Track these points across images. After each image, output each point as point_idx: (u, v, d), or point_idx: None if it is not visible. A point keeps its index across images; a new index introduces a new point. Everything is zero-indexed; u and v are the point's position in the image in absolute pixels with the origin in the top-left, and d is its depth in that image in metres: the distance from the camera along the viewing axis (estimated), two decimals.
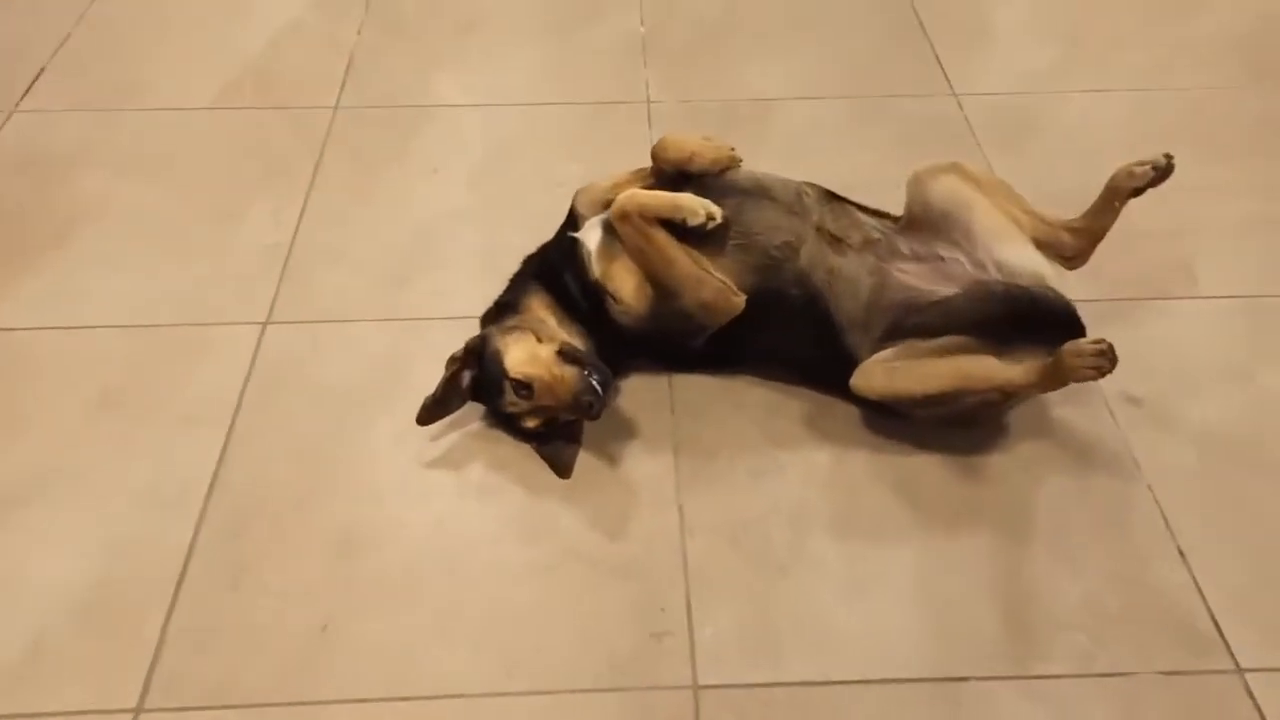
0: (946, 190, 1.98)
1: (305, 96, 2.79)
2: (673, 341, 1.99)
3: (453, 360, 1.89)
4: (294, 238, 2.38)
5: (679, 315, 1.90)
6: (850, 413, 1.98)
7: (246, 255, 2.34)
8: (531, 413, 1.84)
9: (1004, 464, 1.91)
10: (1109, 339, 1.69)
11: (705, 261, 1.90)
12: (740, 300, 1.90)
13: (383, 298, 2.24)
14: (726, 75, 2.91)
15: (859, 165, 2.60)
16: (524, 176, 2.57)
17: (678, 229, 1.88)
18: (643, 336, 1.97)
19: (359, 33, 3.05)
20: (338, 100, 2.78)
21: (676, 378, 2.06)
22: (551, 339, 1.86)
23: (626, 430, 1.97)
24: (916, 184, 2.02)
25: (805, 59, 2.98)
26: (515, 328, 1.89)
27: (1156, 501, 1.85)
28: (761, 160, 2.59)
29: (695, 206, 1.86)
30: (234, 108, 2.76)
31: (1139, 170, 1.88)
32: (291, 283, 2.27)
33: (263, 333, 2.15)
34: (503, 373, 1.82)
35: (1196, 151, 2.57)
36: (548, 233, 2.12)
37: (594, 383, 1.76)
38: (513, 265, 2.10)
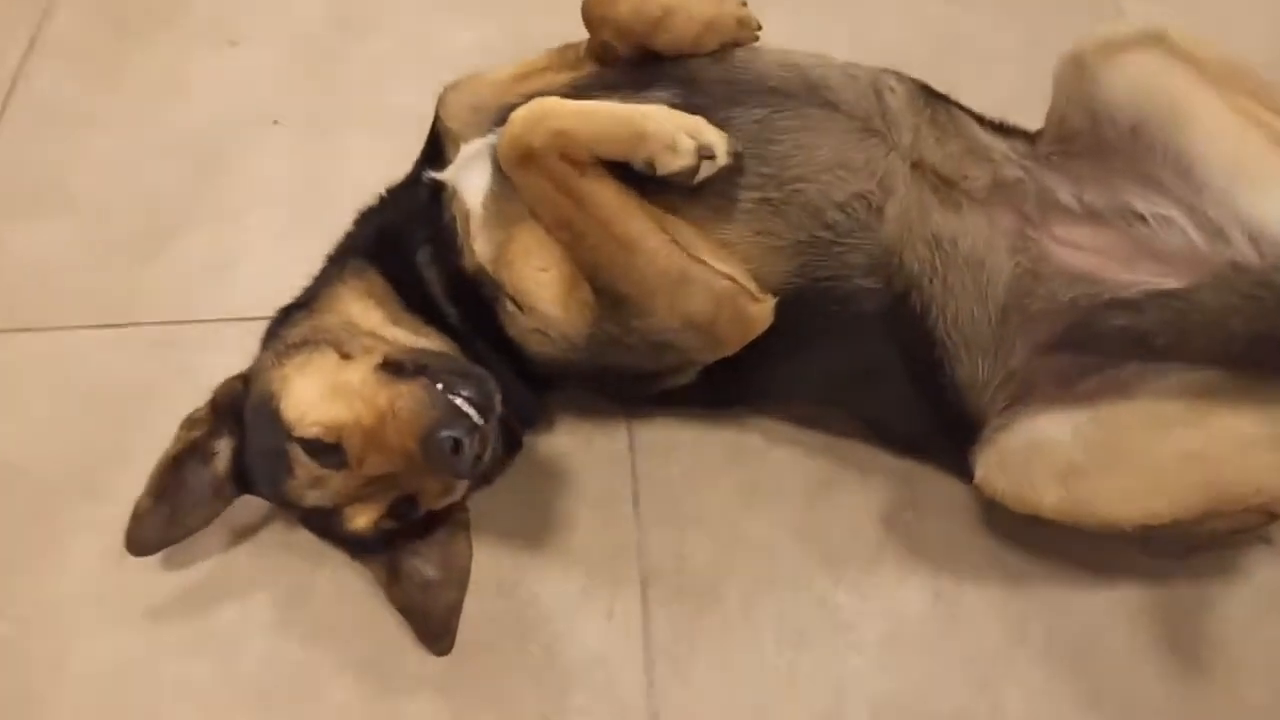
0: (1139, 82, 1.06)
1: None
2: (634, 381, 1.06)
3: (192, 424, 0.99)
4: None
5: (648, 342, 0.98)
6: (950, 489, 1.09)
7: None
8: (355, 497, 0.93)
9: (1238, 607, 1.04)
10: None
11: (696, 237, 0.96)
12: (764, 310, 0.99)
13: (119, 278, 1.27)
14: None
15: (924, 20, 1.62)
16: (380, 54, 1.56)
17: (641, 175, 0.92)
18: (577, 371, 1.04)
19: None
20: None
21: (639, 422, 1.15)
22: (369, 350, 0.95)
23: (554, 532, 1.07)
24: (1078, 71, 1.09)
25: None
26: (303, 344, 0.97)
27: None
28: (771, 26, 1.63)
29: (674, 134, 0.91)
30: None
31: None
32: None
33: None
34: (284, 430, 0.92)
35: None
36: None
37: (460, 401, 0.88)
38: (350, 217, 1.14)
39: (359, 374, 0.91)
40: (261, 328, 1.14)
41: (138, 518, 0.96)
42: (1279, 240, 0.98)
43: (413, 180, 1.08)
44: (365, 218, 1.11)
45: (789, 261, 0.98)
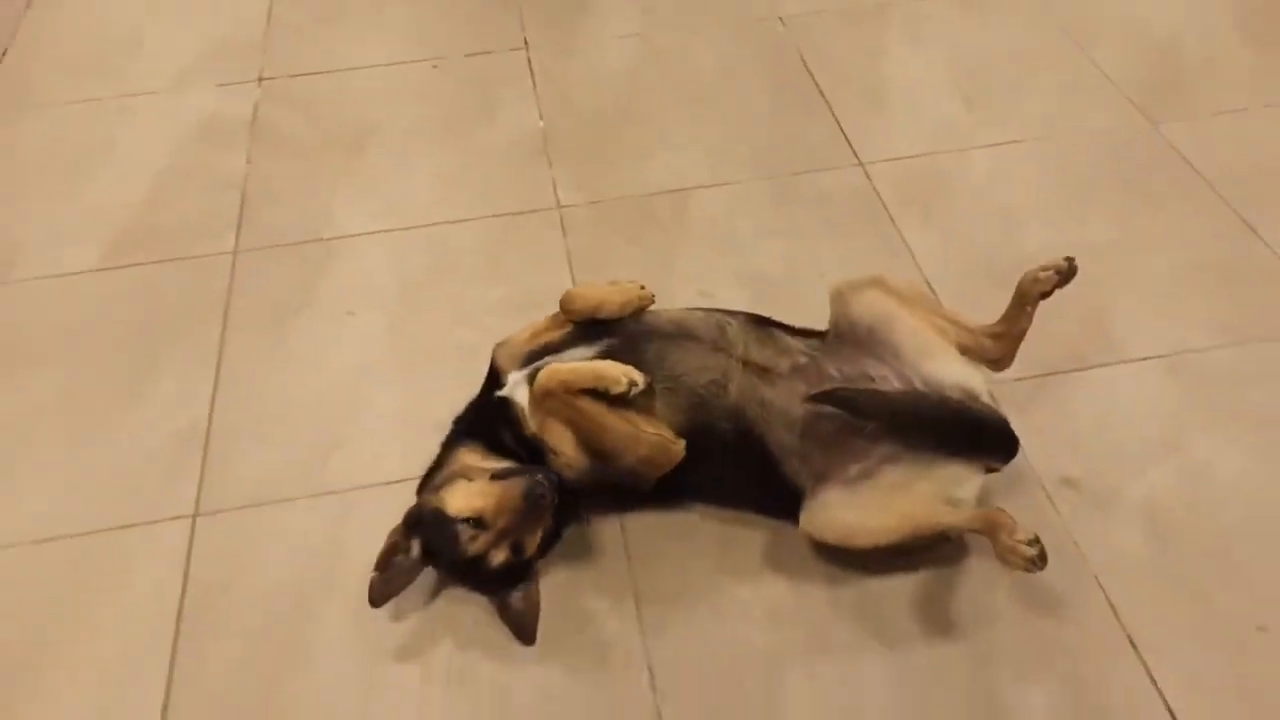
0: (869, 305, 2.01)
1: (202, 242, 2.59)
2: (621, 486, 1.96)
3: (393, 533, 1.86)
4: (211, 414, 2.28)
5: (621, 472, 1.89)
6: (802, 541, 1.98)
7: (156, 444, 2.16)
8: (494, 544, 1.80)
9: (956, 574, 1.93)
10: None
11: (637, 417, 1.88)
12: (679, 447, 1.90)
13: (311, 471, 2.13)
14: (635, 168, 2.74)
15: (781, 254, 2.60)
16: (444, 310, 2.45)
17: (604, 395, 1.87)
18: (587, 485, 1.94)
19: (248, 161, 2.92)
20: (237, 242, 2.58)
21: (629, 520, 2.05)
22: (481, 474, 1.85)
23: (585, 583, 1.96)
24: (839, 299, 2.04)
25: (711, 142, 2.80)
26: (445, 481, 1.87)
27: (1104, 592, 1.89)
28: (686, 258, 2.60)
29: (616, 375, 1.84)
30: (123, 266, 2.52)
31: (1044, 275, 1.94)
32: (216, 468, 2.17)
33: (192, 532, 2.06)
34: (449, 520, 1.80)
35: (1105, 198, 2.64)
36: (477, 373, 2.06)
37: (538, 479, 1.77)
38: (443, 414, 2.04)
39: (480, 482, 1.81)
40: (400, 490, 2.03)
41: (371, 585, 1.83)
42: (939, 382, 1.92)
43: (484, 397, 2.01)
44: (460, 420, 2.03)
45: (684, 415, 1.90)
